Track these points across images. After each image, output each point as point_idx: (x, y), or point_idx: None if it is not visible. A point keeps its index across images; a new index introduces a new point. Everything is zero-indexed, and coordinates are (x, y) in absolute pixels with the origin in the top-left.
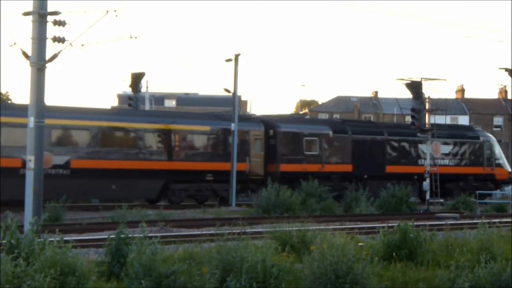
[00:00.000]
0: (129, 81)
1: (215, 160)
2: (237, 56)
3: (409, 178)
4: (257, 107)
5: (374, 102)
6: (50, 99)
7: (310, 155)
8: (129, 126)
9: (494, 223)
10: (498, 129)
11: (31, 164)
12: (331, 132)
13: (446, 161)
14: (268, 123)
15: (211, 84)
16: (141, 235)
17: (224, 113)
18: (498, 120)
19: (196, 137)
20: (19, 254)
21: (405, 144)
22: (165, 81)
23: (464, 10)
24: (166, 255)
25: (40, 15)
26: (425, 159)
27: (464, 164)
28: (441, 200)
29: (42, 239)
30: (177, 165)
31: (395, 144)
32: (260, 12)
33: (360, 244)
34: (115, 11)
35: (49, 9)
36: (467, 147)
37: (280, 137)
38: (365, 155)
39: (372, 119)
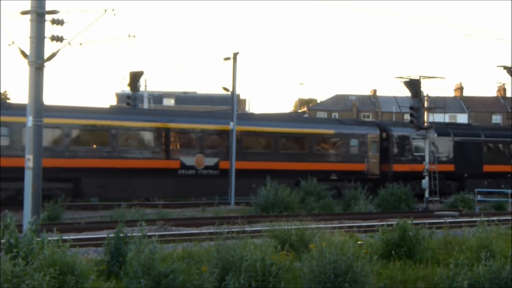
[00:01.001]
0: (127, 80)
1: (339, 161)
2: (235, 54)
3: (503, 176)
4: (256, 105)
5: (372, 100)
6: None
7: (418, 156)
8: (272, 131)
9: (493, 221)
10: None
11: (29, 163)
12: (436, 135)
13: None
14: (382, 126)
15: (209, 82)
16: (140, 234)
17: (349, 119)
18: (496, 118)
19: (324, 139)
20: (18, 253)
21: (500, 145)
22: (163, 80)
23: (463, 8)
24: (165, 254)
25: (38, 14)
26: None
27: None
28: (438, 198)
29: (41, 238)
30: (309, 166)
31: (491, 145)
32: (258, 10)
33: (359, 242)
34: (113, 10)
35: (47, 8)
36: None
37: (392, 139)
38: (465, 155)
39: (370, 118)
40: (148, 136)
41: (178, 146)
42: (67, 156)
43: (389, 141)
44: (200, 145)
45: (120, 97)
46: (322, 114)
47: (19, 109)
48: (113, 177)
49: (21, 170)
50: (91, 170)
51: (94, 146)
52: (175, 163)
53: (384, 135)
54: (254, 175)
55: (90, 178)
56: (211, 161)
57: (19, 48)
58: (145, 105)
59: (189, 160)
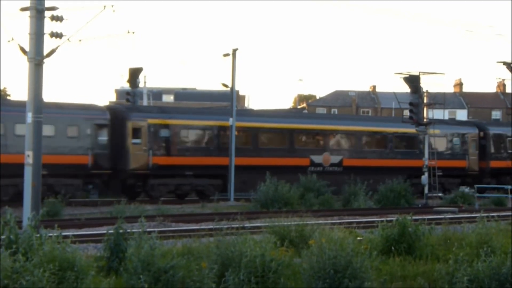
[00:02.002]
0: (127, 76)
1: (444, 158)
2: (234, 50)
3: None
4: (255, 101)
5: (372, 96)
6: (48, 95)
7: None
8: (387, 131)
9: (493, 217)
10: None
11: (29, 160)
12: None
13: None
14: (480, 126)
15: (209, 79)
16: (140, 230)
17: (449, 119)
18: (496, 114)
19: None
20: (18, 249)
21: None
22: (162, 76)
23: (463, 4)
24: (165, 250)
25: (38, 10)
26: None
27: None
28: (440, 194)
29: (40, 235)
30: (418, 163)
31: None
32: (257, 7)
33: (358, 238)
34: (112, 6)
35: (47, 5)
36: None
37: (489, 138)
38: None
39: (370, 113)
40: (282, 136)
41: (308, 146)
42: (215, 155)
43: (487, 139)
44: (327, 144)
45: (120, 93)
46: (321, 110)
47: None
48: (254, 173)
49: None
50: (236, 167)
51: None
52: (306, 161)
53: (481, 134)
54: (369, 172)
55: (236, 174)
56: (336, 159)
57: (18, 44)
58: (145, 102)
59: (317, 158)
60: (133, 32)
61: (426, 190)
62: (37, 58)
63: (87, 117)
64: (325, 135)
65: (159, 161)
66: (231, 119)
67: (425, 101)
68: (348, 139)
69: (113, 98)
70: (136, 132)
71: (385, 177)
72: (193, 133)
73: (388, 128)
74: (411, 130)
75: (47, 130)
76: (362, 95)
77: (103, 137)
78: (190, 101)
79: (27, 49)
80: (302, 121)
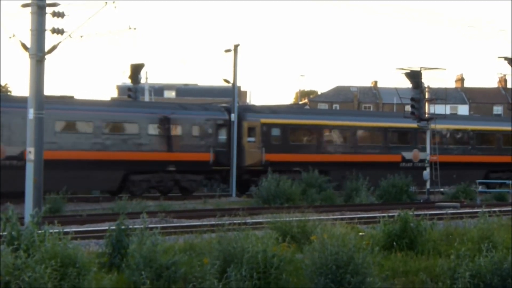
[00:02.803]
0: (128, 72)
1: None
2: (236, 46)
3: None
4: (257, 97)
5: (373, 92)
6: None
7: None
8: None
9: (495, 212)
10: None
11: (31, 156)
12: None
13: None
14: None
15: (210, 74)
16: (142, 226)
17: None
18: (497, 109)
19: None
20: (20, 245)
21: None
22: (164, 72)
23: (465, 0)
24: (167, 246)
25: (39, 6)
26: None
27: None
28: (442, 189)
29: (42, 231)
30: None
31: None
32: (259, 2)
33: (360, 234)
34: (113, 2)
35: (48, 1)
36: None
37: None
38: None
39: (371, 109)
40: (378, 134)
41: (400, 143)
42: (319, 152)
43: None
44: (416, 142)
45: (121, 89)
46: (323, 106)
47: None
48: (353, 169)
49: None
50: (337, 163)
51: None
52: (398, 157)
53: None
54: (453, 167)
55: (336, 170)
56: (424, 156)
57: (20, 40)
58: (146, 98)
59: (408, 155)
60: (135, 28)
61: (428, 185)
62: (38, 54)
63: (209, 117)
64: (414, 133)
65: (271, 158)
66: (233, 115)
67: (426, 96)
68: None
69: (114, 94)
70: (251, 131)
71: (467, 172)
72: (300, 131)
73: (469, 126)
74: (491, 127)
75: (176, 130)
76: (363, 91)
77: (223, 136)
78: (192, 97)
79: (28, 45)
80: (395, 120)
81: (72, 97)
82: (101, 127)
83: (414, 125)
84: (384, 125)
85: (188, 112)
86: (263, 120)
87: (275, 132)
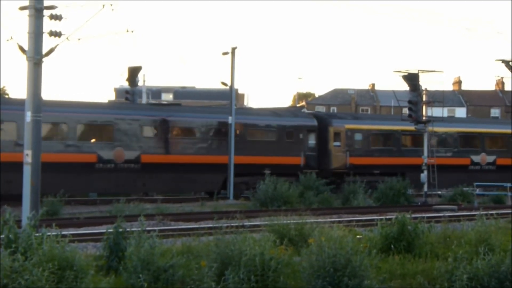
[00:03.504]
0: (126, 75)
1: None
2: (234, 49)
3: None
4: (254, 100)
5: (371, 94)
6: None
7: None
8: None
9: (492, 214)
10: None
11: (28, 159)
12: None
13: None
14: None
15: (208, 77)
16: (139, 229)
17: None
18: (495, 112)
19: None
20: (17, 248)
21: None
22: (162, 74)
23: (462, 2)
24: (164, 249)
25: (37, 9)
26: None
27: None
28: (439, 192)
29: (40, 234)
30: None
31: None
32: (256, 5)
33: (358, 236)
34: (111, 5)
35: (46, 4)
36: None
37: None
38: None
39: (369, 112)
40: (451, 139)
41: (468, 147)
42: (397, 155)
43: None
44: (484, 145)
45: (119, 92)
46: (320, 108)
47: None
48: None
49: None
50: (414, 166)
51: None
52: (467, 160)
53: None
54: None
55: (412, 172)
56: (491, 159)
57: (17, 43)
58: (143, 100)
59: (476, 158)
60: (132, 31)
61: (425, 188)
62: (36, 57)
63: (300, 124)
64: (481, 138)
65: (354, 161)
66: (230, 118)
67: (424, 99)
68: (497, 141)
69: (112, 96)
70: (336, 136)
71: None
72: (380, 136)
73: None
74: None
75: (272, 135)
76: (361, 93)
77: (312, 141)
78: (189, 100)
79: (26, 48)
80: (464, 125)
81: (179, 105)
82: (206, 132)
83: (481, 130)
84: (456, 130)
85: (281, 119)
86: (348, 126)
87: (358, 137)
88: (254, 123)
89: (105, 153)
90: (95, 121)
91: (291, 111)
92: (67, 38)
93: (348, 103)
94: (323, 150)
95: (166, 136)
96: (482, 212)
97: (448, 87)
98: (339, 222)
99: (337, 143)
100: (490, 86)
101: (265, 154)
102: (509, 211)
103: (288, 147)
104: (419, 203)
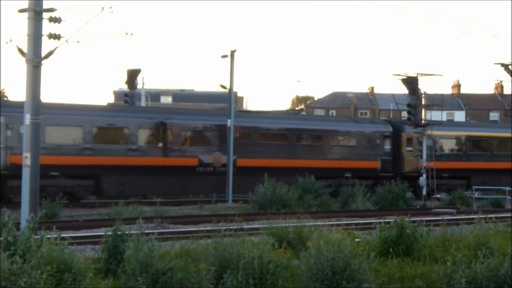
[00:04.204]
0: (125, 77)
1: None
2: (233, 52)
3: None
4: (253, 103)
5: (370, 97)
6: (47, 96)
7: None
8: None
9: (491, 218)
10: None
11: (27, 161)
12: None
13: None
14: None
15: (207, 80)
16: (138, 232)
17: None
18: (494, 115)
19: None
20: (16, 251)
21: None
22: (160, 77)
23: (460, 5)
24: (163, 251)
25: (36, 12)
26: None
27: None
28: (438, 196)
29: (39, 236)
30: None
31: None
32: (255, 8)
33: (356, 240)
34: (110, 8)
35: (45, 6)
36: None
37: None
38: None
39: (368, 115)
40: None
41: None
42: (463, 160)
43: None
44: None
45: (118, 94)
46: (319, 112)
47: None
48: (490, 175)
49: None
50: (478, 170)
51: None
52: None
53: None
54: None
55: (477, 176)
56: None
57: (16, 46)
58: (143, 103)
59: None
60: (131, 34)
61: (424, 191)
62: (35, 59)
63: (377, 130)
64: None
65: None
66: (229, 121)
67: (423, 102)
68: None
69: (111, 99)
70: (409, 142)
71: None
72: (448, 141)
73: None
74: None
75: (351, 141)
76: (360, 97)
77: (387, 146)
78: (188, 103)
79: (25, 50)
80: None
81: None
82: (293, 138)
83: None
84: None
85: (360, 125)
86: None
87: (428, 142)
88: (335, 129)
89: (205, 158)
90: (197, 128)
91: (368, 118)
92: (66, 40)
93: (347, 106)
94: (397, 155)
95: (258, 142)
96: (481, 216)
97: (447, 90)
98: (338, 225)
99: (409, 148)
100: (489, 89)
101: (346, 158)
102: (508, 215)
103: (366, 152)
104: (417, 207)
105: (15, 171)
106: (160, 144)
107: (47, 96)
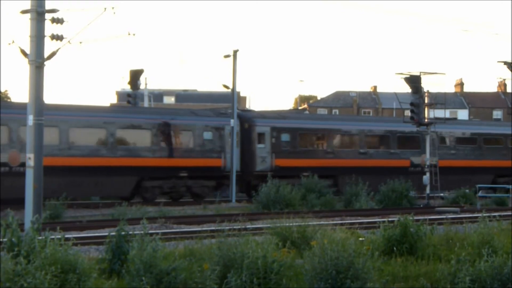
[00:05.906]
0: (127, 78)
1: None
2: (235, 52)
3: None
4: (256, 103)
5: (373, 96)
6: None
7: None
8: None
9: (495, 216)
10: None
11: (31, 162)
12: None
13: None
14: None
15: (210, 80)
16: (142, 232)
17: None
18: (497, 114)
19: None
20: (20, 252)
21: None
22: (163, 78)
23: (463, 4)
24: (167, 252)
25: (38, 13)
26: None
27: None
28: (441, 194)
29: (43, 237)
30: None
31: None
32: (258, 7)
33: (360, 239)
34: (113, 8)
35: (47, 7)
36: None
37: None
38: None
39: (371, 114)
40: (505, 141)
41: None
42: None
43: None
44: None
45: (121, 95)
46: (322, 111)
47: None
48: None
49: None
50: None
51: None
52: None
53: None
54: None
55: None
56: None
57: (19, 47)
58: (145, 104)
59: None
60: (134, 34)
61: (427, 190)
62: (37, 60)
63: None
64: None
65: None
66: (232, 121)
67: (426, 101)
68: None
69: (114, 100)
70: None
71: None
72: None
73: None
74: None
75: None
76: (363, 96)
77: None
78: (191, 103)
79: (27, 51)
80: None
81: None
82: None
83: None
84: None
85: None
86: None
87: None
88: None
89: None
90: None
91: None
92: (68, 41)
93: (350, 105)
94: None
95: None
96: (484, 214)
97: (450, 89)
98: (342, 224)
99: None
100: (492, 88)
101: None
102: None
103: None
104: (421, 205)
105: None
106: None
107: (49, 97)
